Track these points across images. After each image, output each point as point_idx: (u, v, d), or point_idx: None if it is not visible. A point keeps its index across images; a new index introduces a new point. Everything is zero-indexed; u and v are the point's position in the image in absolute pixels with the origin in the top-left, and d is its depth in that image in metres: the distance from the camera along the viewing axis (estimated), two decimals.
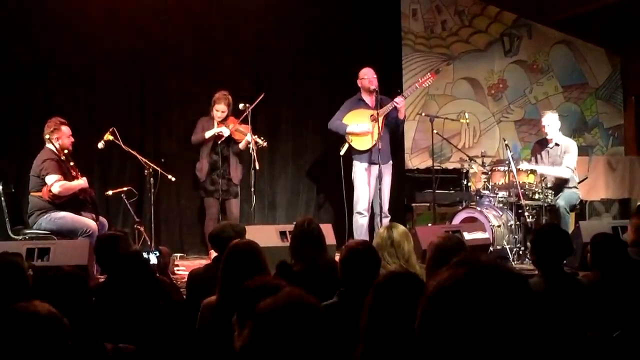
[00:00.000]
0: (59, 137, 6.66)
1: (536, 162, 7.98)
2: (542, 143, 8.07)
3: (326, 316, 1.83)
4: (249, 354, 1.75)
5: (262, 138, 7.57)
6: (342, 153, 7.62)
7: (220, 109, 7.62)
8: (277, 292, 1.92)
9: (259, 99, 7.55)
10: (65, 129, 6.73)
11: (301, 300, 1.82)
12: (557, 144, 7.87)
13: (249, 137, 7.43)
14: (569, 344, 3.44)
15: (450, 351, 1.24)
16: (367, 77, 7.61)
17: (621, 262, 4.24)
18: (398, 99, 7.50)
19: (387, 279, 2.50)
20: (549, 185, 7.72)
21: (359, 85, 7.70)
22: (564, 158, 7.77)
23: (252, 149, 7.35)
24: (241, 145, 7.61)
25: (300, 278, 4.11)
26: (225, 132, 7.57)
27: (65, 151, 6.65)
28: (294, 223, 4.94)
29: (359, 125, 7.55)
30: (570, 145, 7.89)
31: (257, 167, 7.42)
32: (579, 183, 8.03)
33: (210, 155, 7.68)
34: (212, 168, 7.68)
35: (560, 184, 7.79)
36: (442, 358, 1.25)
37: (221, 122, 7.65)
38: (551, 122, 7.86)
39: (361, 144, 7.57)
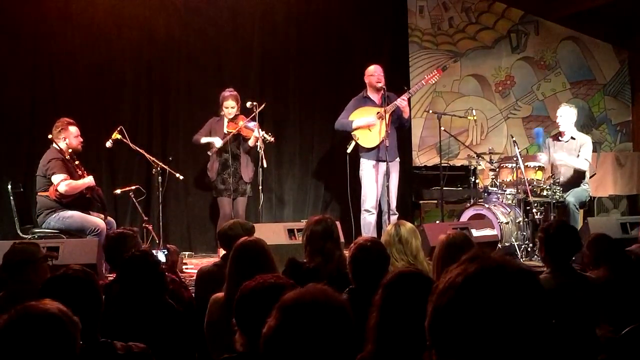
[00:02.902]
0: (66, 137, 6.67)
1: (549, 154, 7.96)
2: (556, 136, 8.06)
3: (351, 313, 1.83)
4: (274, 344, 1.75)
5: (270, 134, 7.57)
6: (349, 151, 7.60)
7: (229, 105, 7.61)
8: (278, 291, 1.92)
9: (260, 108, 7.49)
10: (73, 129, 6.75)
11: (328, 294, 1.82)
12: (572, 138, 7.87)
13: (256, 133, 7.43)
14: (578, 340, 3.44)
15: (461, 348, 1.24)
16: (376, 75, 7.60)
17: (622, 261, 4.23)
18: (399, 100, 7.48)
19: (395, 279, 2.49)
20: (562, 180, 7.70)
21: (366, 82, 7.69)
22: (582, 151, 7.76)
23: (260, 147, 7.35)
24: (250, 142, 7.61)
25: (311, 275, 4.12)
26: (218, 143, 7.56)
27: (70, 150, 6.67)
28: (302, 220, 4.94)
29: (364, 118, 7.54)
30: (586, 140, 7.89)
31: (265, 165, 7.42)
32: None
33: (220, 154, 7.68)
34: (223, 167, 7.67)
35: (575, 180, 7.76)
36: (453, 355, 1.26)
37: (231, 120, 7.64)
38: (564, 114, 7.85)
39: (368, 141, 7.56)
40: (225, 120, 7.65)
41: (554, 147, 7.96)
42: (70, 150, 6.66)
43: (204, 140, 7.64)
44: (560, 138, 7.94)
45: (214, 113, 7.79)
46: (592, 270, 4.36)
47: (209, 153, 7.64)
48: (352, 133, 7.59)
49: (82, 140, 6.83)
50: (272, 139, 7.60)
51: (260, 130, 7.44)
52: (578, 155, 7.79)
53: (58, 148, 6.65)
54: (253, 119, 7.47)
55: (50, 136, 6.68)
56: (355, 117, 7.59)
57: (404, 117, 7.64)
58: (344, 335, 1.78)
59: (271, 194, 8.81)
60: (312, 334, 1.73)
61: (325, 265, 4.29)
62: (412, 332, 2.14)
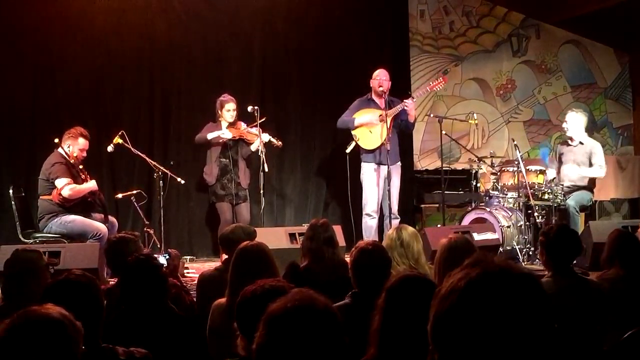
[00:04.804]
0: (71, 145, 6.68)
1: (560, 162, 7.97)
2: (565, 142, 8.10)
3: (337, 316, 1.84)
4: (262, 355, 1.76)
5: (277, 138, 7.57)
6: (348, 151, 7.60)
7: (231, 108, 7.56)
8: (279, 295, 1.93)
9: (260, 120, 7.49)
10: (82, 142, 6.74)
11: (312, 300, 1.82)
12: (581, 143, 7.88)
13: (263, 137, 7.40)
14: (580, 344, 3.43)
15: (463, 352, 1.24)
16: (379, 79, 7.61)
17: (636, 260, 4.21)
18: (407, 101, 7.49)
19: (400, 282, 2.49)
20: (567, 183, 7.70)
21: (371, 85, 7.71)
22: (595, 159, 7.77)
23: (261, 152, 7.34)
24: (253, 147, 7.58)
25: (310, 278, 4.13)
26: (227, 134, 7.54)
27: (75, 154, 6.68)
28: (304, 225, 4.99)
29: (365, 116, 7.54)
30: (595, 146, 7.92)
31: (267, 170, 7.41)
32: None
33: (219, 159, 7.65)
34: (222, 172, 7.65)
35: (582, 184, 7.78)
36: (456, 358, 1.26)
37: (231, 125, 7.63)
38: (570, 120, 7.89)
39: (368, 143, 7.56)
40: (224, 125, 7.62)
41: (564, 153, 7.97)
42: (75, 155, 6.67)
43: (211, 135, 7.55)
44: (569, 143, 7.97)
45: (214, 117, 7.77)
46: (605, 270, 4.33)
47: (221, 138, 7.52)
48: (353, 133, 7.60)
49: (85, 155, 6.82)
50: (280, 143, 7.60)
51: (266, 134, 7.43)
52: (591, 164, 7.79)
53: (62, 152, 6.66)
54: (256, 126, 7.45)
55: (56, 140, 6.68)
56: (358, 116, 7.61)
57: (410, 120, 7.65)
58: (332, 337, 1.78)
59: (272, 198, 8.80)
60: (299, 341, 1.74)
61: (317, 265, 4.37)
62: (414, 336, 2.14)
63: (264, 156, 7.33)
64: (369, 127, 7.57)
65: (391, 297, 2.44)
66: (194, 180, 8.25)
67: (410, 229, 4.50)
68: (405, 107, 7.47)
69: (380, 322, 2.40)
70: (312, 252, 4.53)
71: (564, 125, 8.01)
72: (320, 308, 1.81)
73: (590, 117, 10.26)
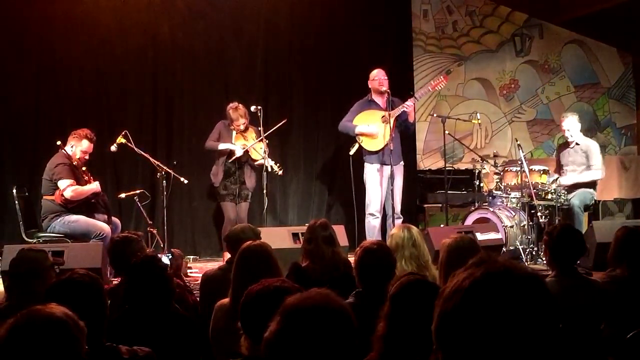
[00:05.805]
0: (74, 146, 6.69)
1: (560, 167, 7.98)
2: (565, 145, 8.12)
3: (353, 319, 1.84)
4: (274, 346, 1.76)
5: (278, 165, 7.53)
6: (351, 153, 7.60)
7: (241, 123, 7.55)
8: (284, 295, 1.93)
9: (279, 125, 7.53)
10: (85, 144, 6.73)
11: (330, 300, 1.83)
12: (577, 144, 7.90)
13: (265, 161, 7.36)
14: (584, 343, 3.43)
15: (467, 351, 1.24)
16: (378, 78, 7.61)
17: None
18: (408, 102, 7.49)
19: (403, 288, 2.49)
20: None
21: (370, 86, 7.70)
22: (592, 159, 7.77)
23: (265, 151, 7.35)
24: (257, 163, 7.59)
25: (312, 278, 4.13)
26: (239, 152, 7.52)
27: (77, 156, 6.69)
28: (306, 224, 4.99)
29: (369, 127, 7.53)
30: (590, 145, 7.92)
31: (270, 170, 7.38)
32: None
33: (225, 163, 7.63)
34: (227, 175, 7.63)
35: (584, 183, 7.80)
36: (460, 358, 1.25)
37: (242, 132, 7.59)
38: (571, 126, 7.89)
39: (372, 144, 7.56)
40: (234, 133, 7.60)
41: (563, 155, 8.00)
42: (77, 157, 6.67)
43: (222, 146, 7.54)
44: (568, 147, 7.99)
45: (218, 117, 7.77)
46: (610, 269, 4.30)
47: (233, 154, 7.51)
48: (355, 136, 7.59)
49: (87, 158, 6.82)
50: (280, 172, 7.55)
51: (269, 159, 7.39)
52: (589, 166, 7.78)
53: (66, 153, 6.66)
54: (260, 131, 7.43)
55: (58, 142, 6.68)
56: (359, 121, 7.59)
57: (409, 121, 7.65)
58: (345, 339, 1.79)
59: (275, 197, 8.80)
60: (313, 338, 1.75)
61: (317, 264, 4.37)
62: (418, 339, 2.14)
63: (266, 156, 7.33)
64: (371, 133, 7.53)
65: (396, 303, 2.44)
66: (197, 179, 8.26)
67: (415, 228, 4.49)
68: (405, 109, 7.46)
69: (385, 330, 2.40)
70: (311, 253, 4.52)
71: (566, 133, 8.01)
72: (338, 308, 1.82)
73: (593, 117, 10.27)
